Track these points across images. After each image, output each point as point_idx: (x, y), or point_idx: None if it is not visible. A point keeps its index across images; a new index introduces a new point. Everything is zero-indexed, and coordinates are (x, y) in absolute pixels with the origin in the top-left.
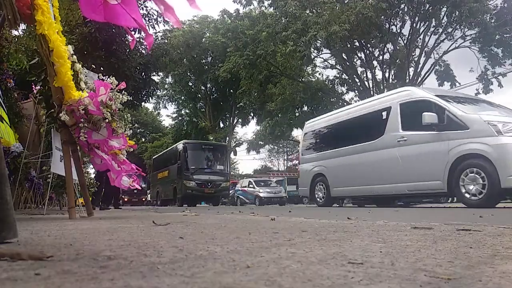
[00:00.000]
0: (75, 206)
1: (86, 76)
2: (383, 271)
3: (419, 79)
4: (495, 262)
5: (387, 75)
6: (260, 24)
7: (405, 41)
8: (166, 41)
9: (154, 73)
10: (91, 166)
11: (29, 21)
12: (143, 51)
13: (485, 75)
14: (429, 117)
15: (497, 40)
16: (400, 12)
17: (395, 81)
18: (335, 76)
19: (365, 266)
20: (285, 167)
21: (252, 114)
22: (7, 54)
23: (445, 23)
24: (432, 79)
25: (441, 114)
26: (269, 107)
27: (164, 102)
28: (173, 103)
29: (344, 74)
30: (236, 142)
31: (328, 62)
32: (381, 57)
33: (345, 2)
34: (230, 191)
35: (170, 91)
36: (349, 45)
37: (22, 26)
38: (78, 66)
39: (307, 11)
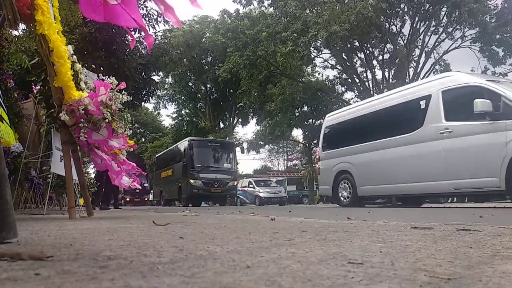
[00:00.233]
0: (75, 206)
1: (86, 76)
2: (383, 271)
3: (419, 79)
4: (495, 262)
5: (387, 75)
6: (260, 24)
7: (405, 41)
8: (166, 41)
9: (154, 73)
10: (91, 166)
11: (29, 21)
12: (143, 51)
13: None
14: (482, 104)
15: (497, 39)
16: (400, 12)
17: (395, 81)
18: (335, 76)
19: (365, 266)
20: (285, 167)
21: (252, 114)
22: (7, 54)
23: (445, 23)
24: None
25: (496, 101)
26: (269, 107)
27: (164, 102)
28: (173, 103)
29: (344, 74)
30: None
31: (328, 62)
32: (381, 57)
33: (345, 2)
34: None
35: (170, 91)
36: (349, 45)
37: (22, 26)
38: (78, 66)
39: (307, 11)
